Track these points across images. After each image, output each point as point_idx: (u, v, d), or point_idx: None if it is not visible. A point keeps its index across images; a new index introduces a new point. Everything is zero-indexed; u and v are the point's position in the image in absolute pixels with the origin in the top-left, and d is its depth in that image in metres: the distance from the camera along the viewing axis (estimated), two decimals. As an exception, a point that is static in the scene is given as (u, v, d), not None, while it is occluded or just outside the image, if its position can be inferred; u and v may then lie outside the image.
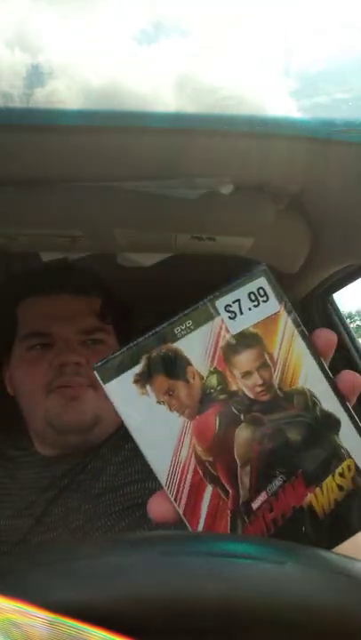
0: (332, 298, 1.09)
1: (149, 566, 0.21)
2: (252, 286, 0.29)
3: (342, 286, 0.97)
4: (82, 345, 0.64)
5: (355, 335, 1.13)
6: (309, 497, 0.29)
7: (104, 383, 0.28)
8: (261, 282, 0.29)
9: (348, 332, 1.13)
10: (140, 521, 0.56)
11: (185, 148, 0.45)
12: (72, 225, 0.59)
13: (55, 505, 0.60)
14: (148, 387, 0.28)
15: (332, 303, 1.11)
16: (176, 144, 0.44)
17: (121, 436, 0.65)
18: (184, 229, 0.61)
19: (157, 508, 0.29)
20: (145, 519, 0.56)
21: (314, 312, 1.07)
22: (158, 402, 0.28)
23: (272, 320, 0.29)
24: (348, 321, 1.20)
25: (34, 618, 0.19)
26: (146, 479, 0.58)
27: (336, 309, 1.12)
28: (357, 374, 0.30)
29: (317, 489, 0.29)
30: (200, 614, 0.21)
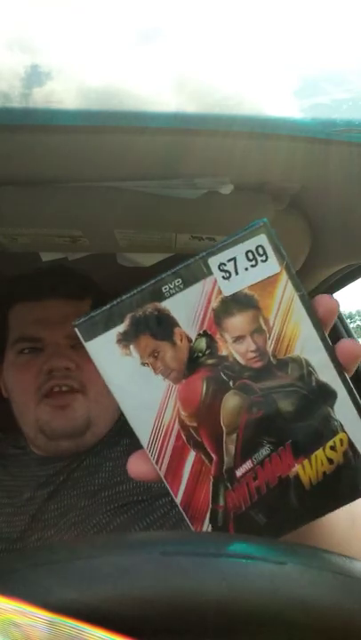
0: (332, 298, 1.10)
1: (149, 566, 0.21)
2: (251, 244, 0.26)
3: (342, 286, 0.97)
4: (72, 349, 0.64)
5: (355, 335, 1.14)
6: (297, 468, 0.28)
7: (85, 341, 0.27)
8: (261, 239, 0.26)
9: (348, 332, 1.13)
10: (134, 518, 0.56)
11: (185, 147, 0.45)
12: (72, 225, 0.59)
13: (52, 502, 0.60)
14: (131, 347, 0.27)
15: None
16: (176, 144, 0.44)
17: (116, 432, 0.65)
18: (184, 229, 0.61)
19: (137, 467, 0.29)
20: (140, 517, 0.56)
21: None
22: (142, 363, 0.27)
23: (270, 282, 0.27)
24: (348, 321, 1.20)
25: (34, 618, 0.19)
26: None
27: (336, 309, 1.12)
28: (357, 342, 0.28)
29: (306, 460, 0.28)
30: (200, 614, 0.21)
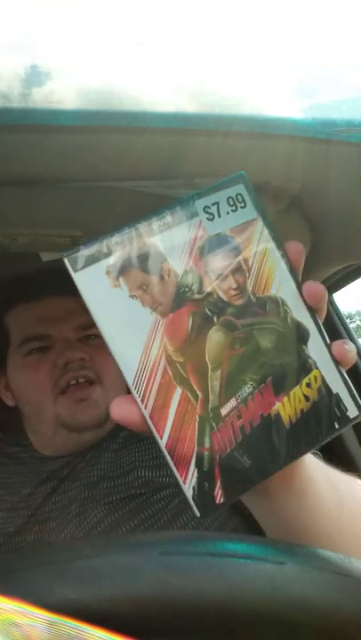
0: (333, 298, 1.10)
1: (149, 566, 0.21)
2: (231, 191, 0.30)
3: (342, 286, 0.97)
4: (81, 342, 0.64)
5: (355, 335, 1.13)
6: (277, 406, 0.29)
7: (74, 272, 0.27)
8: (240, 188, 0.30)
9: (348, 332, 1.13)
10: (130, 514, 0.55)
11: (185, 147, 0.45)
12: (72, 225, 0.59)
13: (55, 495, 0.60)
14: (120, 279, 0.28)
15: (333, 303, 1.11)
16: (176, 144, 0.44)
17: (116, 423, 0.64)
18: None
19: (121, 409, 0.29)
20: (136, 512, 0.55)
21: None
22: (131, 296, 0.28)
23: (248, 226, 0.30)
24: (348, 321, 1.20)
25: (34, 618, 0.19)
26: (139, 467, 0.58)
27: (336, 309, 1.12)
28: (321, 285, 0.31)
29: (285, 398, 0.29)
30: (200, 614, 0.21)
